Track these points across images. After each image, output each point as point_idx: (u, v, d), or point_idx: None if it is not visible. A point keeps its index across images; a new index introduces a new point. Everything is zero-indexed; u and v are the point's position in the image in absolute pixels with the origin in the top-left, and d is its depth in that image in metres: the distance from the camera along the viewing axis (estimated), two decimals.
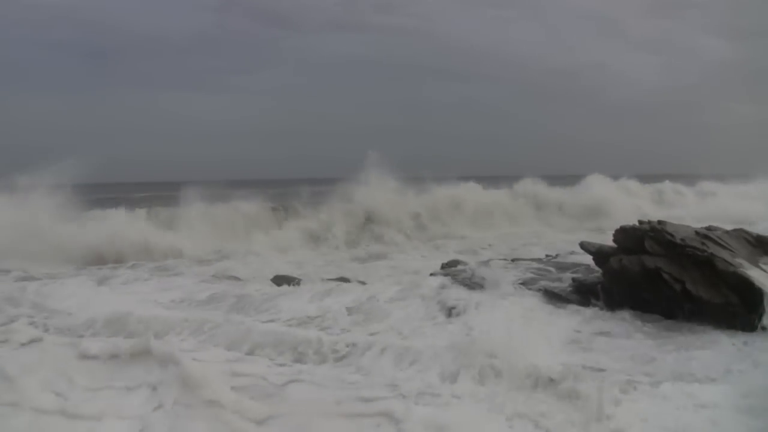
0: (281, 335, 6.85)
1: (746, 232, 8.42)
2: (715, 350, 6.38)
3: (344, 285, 9.70)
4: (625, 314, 7.66)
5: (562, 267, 9.95)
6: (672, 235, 7.81)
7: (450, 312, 7.86)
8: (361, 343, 6.51)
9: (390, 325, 7.58)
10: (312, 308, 8.36)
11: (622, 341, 6.82)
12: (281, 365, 6.11)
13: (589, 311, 7.83)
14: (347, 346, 6.49)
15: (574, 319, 7.60)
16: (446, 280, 9.34)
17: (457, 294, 8.55)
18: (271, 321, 7.91)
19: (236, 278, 12.92)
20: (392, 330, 7.40)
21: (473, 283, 9.06)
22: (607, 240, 8.82)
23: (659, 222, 8.26)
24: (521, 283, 8.98)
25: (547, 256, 11.78)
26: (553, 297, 8.40)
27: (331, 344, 6.56)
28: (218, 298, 9.21)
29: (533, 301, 8.30)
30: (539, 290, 8.65)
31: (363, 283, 10.12)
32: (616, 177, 29.58)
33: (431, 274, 10.03)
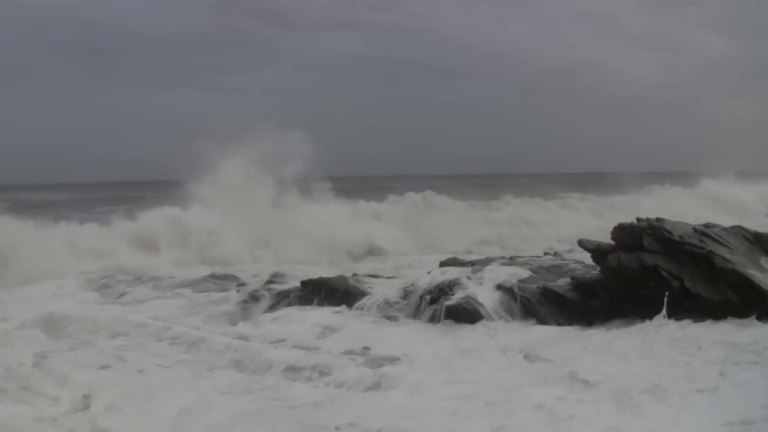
0: None
1: (744, 230, 8.41)
2: None
3: None
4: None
5: (561, 265, 9.92)
6: (670, 233, 7.80)
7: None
8: None
9: None
10: None
11: None
12: None
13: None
14: None
15: None
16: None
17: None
18: None
19: (235, 276, 12.97)
20: None
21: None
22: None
23: (657, 219, 8.25)
24: (521, 281, 8.93)
25: (545, 253, 11.76)
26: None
27: None
28: None
29: None
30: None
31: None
32: (614, 175, 29.30)
33: (429, 272, 10.01)
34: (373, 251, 17.22)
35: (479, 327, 8.00)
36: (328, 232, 17.40)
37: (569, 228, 18.34)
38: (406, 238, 18.86)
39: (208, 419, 5.24)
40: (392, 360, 6.89)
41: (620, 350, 6.71)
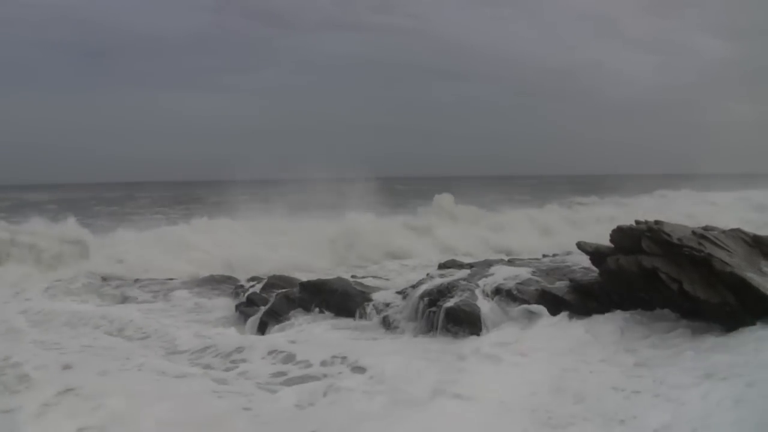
0: None
1: (743, 232, 8.40)
2: None
3: None
4: None
5: (560, 267, 9.91)
6: (669, 235, 7.79)
7: None
8: None
9: None
10: None
11: None
12: None
13: None
14: None
15: None
16: None
17: None
18: None
19: (235, 278, 12.95)
20: None
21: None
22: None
23: (656, 222, 8.24)
24: (520, 283, 8.91)
25: (544, 255, 11.76)
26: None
27: None
28: None
29: None
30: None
31: None
32: (611, 177, 29.34)
33: (428, 274, 10.00)
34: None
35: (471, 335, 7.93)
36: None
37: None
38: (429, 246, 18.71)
39: (168, 424, 5.20)
40: (365, 369, 6.65)
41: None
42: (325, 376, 6.58)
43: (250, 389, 6.31)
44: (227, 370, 6.98)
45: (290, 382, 6.52)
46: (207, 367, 7.12)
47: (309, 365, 6.97)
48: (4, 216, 18.53)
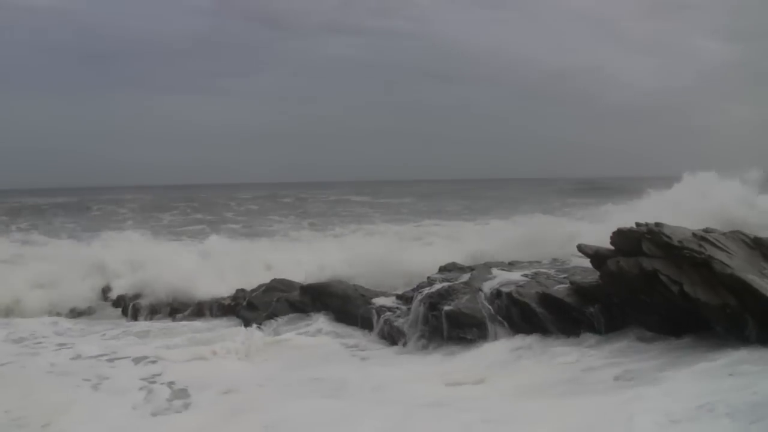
0: None
1: (743, 234, 8.40)
2: None
3: None
4: None
5: (560, 270, 9.91)
6: (669, 237, 7.79)
7: None
8: None
9: None
10: None
11: None
12: None
13: None
14: None
15: None
16: None
17: None
18: None
19: None
20: None
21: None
22: None
23: (656, 224, 8.24)
24: (520, 286, 8.90)
25: (544, 259, 11.73)
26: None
27: None
28: None
29: None
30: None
31: None
32: (613, 180, 29.24)
33: (428, 277, 9.98)
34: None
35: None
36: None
37: None
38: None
39: None
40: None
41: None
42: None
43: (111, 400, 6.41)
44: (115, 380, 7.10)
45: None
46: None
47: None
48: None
